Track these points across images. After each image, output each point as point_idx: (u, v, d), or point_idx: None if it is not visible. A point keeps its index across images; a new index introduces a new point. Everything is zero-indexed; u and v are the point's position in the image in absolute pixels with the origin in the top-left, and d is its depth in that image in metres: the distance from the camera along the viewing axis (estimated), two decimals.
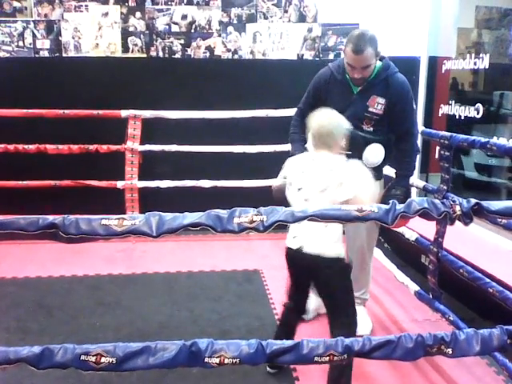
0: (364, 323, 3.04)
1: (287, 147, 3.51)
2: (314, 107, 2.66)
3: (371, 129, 2.85)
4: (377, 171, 2.87)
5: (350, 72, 2.78)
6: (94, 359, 1.44)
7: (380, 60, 2.86)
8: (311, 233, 2.36)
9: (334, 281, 2.40)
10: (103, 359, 1.44)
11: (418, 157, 4.66)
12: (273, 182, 2.65)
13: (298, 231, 2.41)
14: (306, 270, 2.46)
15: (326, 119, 2.44)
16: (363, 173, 2.43)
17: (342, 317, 2.38)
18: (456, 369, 2.68)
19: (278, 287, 3.75)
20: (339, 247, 2.42)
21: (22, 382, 2.53)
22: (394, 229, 2.95)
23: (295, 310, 2.63)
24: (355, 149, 2.70)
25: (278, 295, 3.60)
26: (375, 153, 2.87)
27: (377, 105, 2.83)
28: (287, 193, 2.48)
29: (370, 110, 2.83)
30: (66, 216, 1.41)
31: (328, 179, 2.31)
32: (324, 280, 2.41)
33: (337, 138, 2.42)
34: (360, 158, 2.76)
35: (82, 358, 1.43)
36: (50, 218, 1.40)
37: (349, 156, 2.57)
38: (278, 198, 2.58)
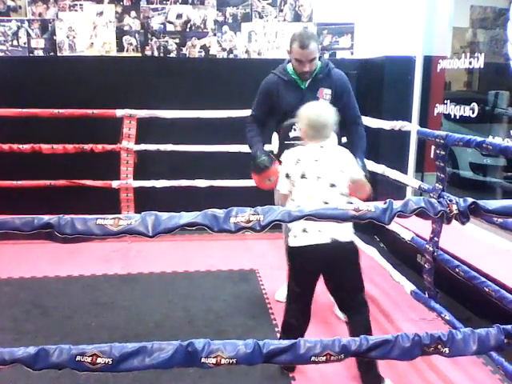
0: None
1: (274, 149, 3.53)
2: (267, 112, 3.24)
3: None
4: None
5: (299, 67, 3.09)
6: (89, 360, 1.43)
7: (319, 59, 3.17)
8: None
9: (349, 265, 2.52)
10: (99, 360, 1.43)
11: (414, 156, 4.70)
12: (280, 188, 2.63)
13: (321, 225, 2.39)
14: (325, 263, 2.48)
15: (323, 111, 2.60)
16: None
17: (360, 294, 2.53)
18: (452, 368, 2.68)
19: (274, 287, 3.75)
20: (350, 230, 2.54)
21: (17, 383, 2.51)
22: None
23: (305, 315, 2.61)
24: None
25: (274, 295, 3.60)
26: (333, 141, 3.04)
27: (325, 95, 3.17)
28: (297, 186, 2.52)
29: (321, 100, 3.11)
30: (61, 216, 1.40)
31: (342, 160, 2.52)
32: (339, 266, 2.48)
33: (332, 128, 2.62)
34: None
35: (78, 358, 1.43)
36: (46, 217, 1.39)
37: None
38: (282, 203, 2.64)
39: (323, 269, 2.51)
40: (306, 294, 2.59)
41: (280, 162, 2.81)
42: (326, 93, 3.18)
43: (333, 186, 2.47)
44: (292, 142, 3.13)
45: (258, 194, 4.10)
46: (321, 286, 3.45)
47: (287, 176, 2.55)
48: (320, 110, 2.62)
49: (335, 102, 3.03)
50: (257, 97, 3.35)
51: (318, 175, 2.48)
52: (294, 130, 3.12)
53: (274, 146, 3.47)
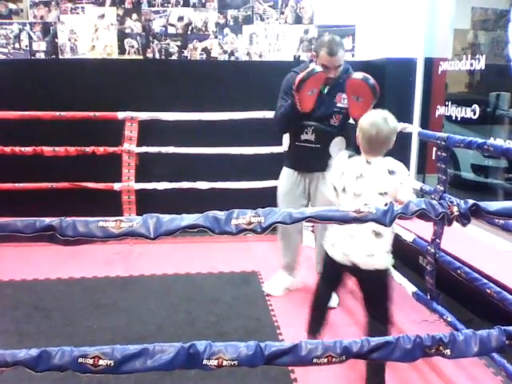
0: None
1: (284, 148, 3.56)
2: None
3: (337, 123, 3.33)
4: None
5: (325, 73, 3.13)
6: (91, 362, 1.43)
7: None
8: (364, 247, 2.37)
9: (380, 288, 2.47)
10: (101, 362, 1.43)
11: (415, 158, 4.70)
12: (331, 198, 2.57)
13: (347, 246, 2.41)
14: (350, 274, 2.54)
15: (381, 122, 2.37)
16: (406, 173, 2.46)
17: (380, 313, 2.45)
18: (454, 370, 2.68)
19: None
20: (389, 257, 2.44)
21: None
22: None
23: (329, 294, 2.79)
24: (323, 141, 3.28)
25: (276, 297, 3.60)
26: (340, 145, 3.33)
27: (343, 100, 3.30)
28: (337, 198, 2.50)
29: (338, 105, 3.31)
30: (63, 218, 1.40)
31: (388, 182, 2.33)
32: (371, 287, 2.48)
33: (391, 143, 2.42)
34: (327, 149, 3.27)
35: (80, 360, 1.43)
36: (47, 220, 1.39)
37: (316, 148, 3.25)
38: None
39: (342, 274, 2.61)
40: (331, 283, 2.72)
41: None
42: (344, 97, 3.27)
43: (366, 205, 2.34)
44: (302, 144, 3.32)
45: (259, 195, 4.12)
46: None
47: (333, 187, 2.52)
48: (378, 120, 2.38)
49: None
50: (281, 94, 3.40)
51: (356, 192, 2.39)
52: (306, 133, 3.28)
53: (284, 146, 3.52)
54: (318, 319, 2.72)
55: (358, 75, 3.14)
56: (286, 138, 3.50)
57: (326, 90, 3.29)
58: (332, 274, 2.63)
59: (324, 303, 2.76)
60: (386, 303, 2.47)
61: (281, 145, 3.76)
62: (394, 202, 2.11)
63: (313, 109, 3.15)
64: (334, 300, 3.44)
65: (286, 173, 3.55)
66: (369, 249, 2.36)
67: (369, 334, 2.37)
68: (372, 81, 3.11)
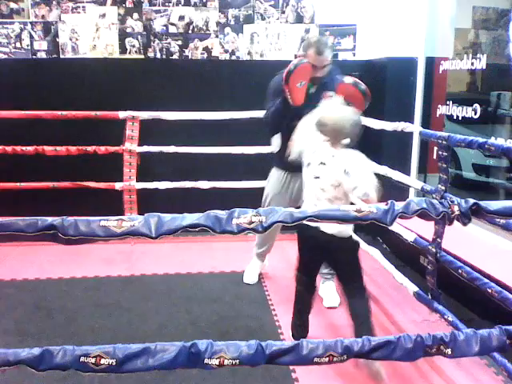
0: (333, 297, 3.51)
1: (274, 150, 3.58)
2: None
3: None
4: None
5: (312, 72, 3.22)
6: (93, 361, 1.44)
7: None
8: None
9: (347, 257, 2.75)
10: (103, 361, 1.44)
11: (416, 157, 4.70)
12: (294, 143, 2.87)
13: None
14: (319, 248, 2.74)
15: (340, 116, 2.62)
16: (367, 165, 2.64)
17: (354, 284, 2.71)
18: (455, 369, 2.68)
19: (276, 288, 3.75)
20: (350, 227, 2.73)
21: None
22: None
23: (309, 286, 2.90)
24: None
25: (277, 296, 3.61)
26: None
27: (329, 98, 3.25)
28: (304, 170, 2.76)
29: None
30: (64, 217, 1.41)
31: (343, 178, 2.55)
32: (338, 257, 2.75)
33: (352, 135, 2.62)
34: None
35: (82, 359, 1.43)
36: (49, 219, 1.40)
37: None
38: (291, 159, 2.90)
39: (313, 251, 2.81)
40: (311, 270, 2.89)
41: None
42: (330, 95, 3.29)
43: (322, 190, 2.66)
44: None
45: (261, 195, 4.11)
46: None
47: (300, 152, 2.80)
48: (338, 115, 2.63)
49: None
50: (268, 97, 3.45)
51: (316, 175, 2.67)
52: None
53: (274, 146, 3.53)
54: (304, 319, 2.92)
55: (348, 80, 3.17)
56: (275, 138, 3.54)
57: (313, 90, 3.35)
58: (308, 258, 2.85)
59: (309, 298, 2.91)
60: (362, 277, 2.74)
61: None
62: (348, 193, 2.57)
63: (301, 108, 3.14)
64: (335, 299, 3.49)
65: (277, 174, 3.61)
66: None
67: (355, 313, 2.68)
68: (363, 86, 3.13)
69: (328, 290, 3.57)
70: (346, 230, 2.70)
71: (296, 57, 3.33)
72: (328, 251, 2.74)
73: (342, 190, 2.59)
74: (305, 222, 2.45)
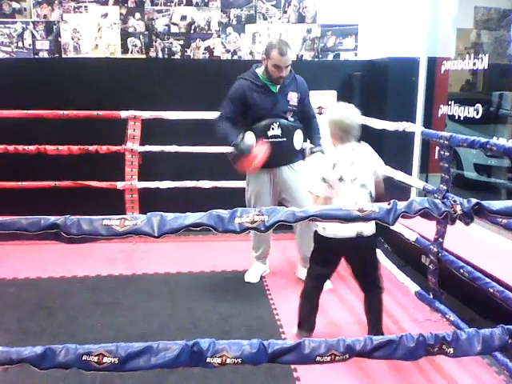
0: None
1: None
2: (237, 114, 3.58)
3: (292, 119, 3.61)
4: (301, 151, 3.74)
5: (276, 72, 3.46)
6: (96, 359, 1.44)
7: None
8: None
9: (372, 254, 2.91)
10: (105, 359, 1.44)
11: (418, 157, 4.70)
12: (315, 191, 2.81)
13: None
14: (348, 250, 2.81)
15: (351, 113, 2.80)
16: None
17: (377, 280, 2.91)
18: (456, 369, 2.68)
19: (278, 287, 3.76)
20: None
21: (23, 383, 2.52)
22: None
23: (324, 282, 3.03)
24: (288, 135, 3.56)
25: (278, 295, 3.61)
26: (301, 136, 3.66)
27: (294, 99, 3.60)
28: (336, 189, 2.74)
29: (291, 103, 3.59)
30: (67, 216, 1.41)
31: (373, 163, 2.82)
32: (365, 255, 2.86)
33: (358, 129, 2.80)
34: (292, 142, 3.58)
35: (84, 358, 1.44)
36: (52, 218, 1.40)
37: (283, 142, 3.52)
38: (319, 203, 2.82)
39: (346, 256, 2.86)
40: (327, 275, 3.00)
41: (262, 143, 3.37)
42: (294, 96, 3.60)
43: (363, 186, 2.75)
44: (270, 139, 3.51)
45: None
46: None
47: (324, 180, 2.74)
48: (348, 112, 2.80)
49: (299, 103, 3.62)
50: (228, 100, 3.62)
51: (352, 177, 2.73)
52: (272, 129, 3.52)
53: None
54: (314, 313, 2.98)
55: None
56: (248, 137, 3.56)
57: (276, 89, 3.56)
58: (329, 257, 2.89)
59: (318, 294, 3.00)
60: (379, 269, 2.94)
61: None
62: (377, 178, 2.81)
63: (267, 108, 3.49)
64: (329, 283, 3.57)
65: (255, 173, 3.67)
66: None
67: (374, 306, 2.89)
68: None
69: None
70: (374, 227, 2.81)
71: (264, 59, 3.52)
72: (356, 251, 2.81)
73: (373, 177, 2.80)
74: (339, 234, 2.70)
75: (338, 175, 2.71)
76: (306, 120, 3.74)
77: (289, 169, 3.67)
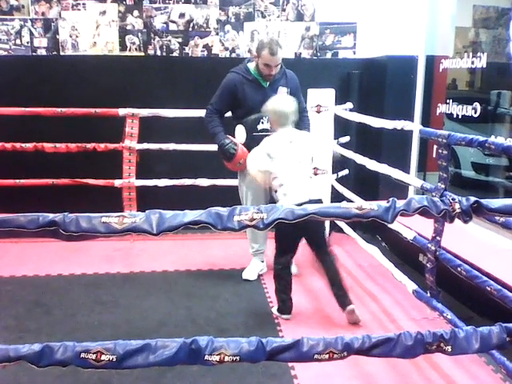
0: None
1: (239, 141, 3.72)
2: (228, 107, 3.77)
3: None
4: None
5: (266, 70, 3.61)
6: (94, 357, 1.44)
7: None
8: (310, 183, 3.29)
9: (319, 225, 3.32)
10: (103, 357, 1.44)
11: (416, 155, 4.71)
12: (260, 166, 3.23)
13: (298, 187, 3.16)
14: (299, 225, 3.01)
15: (286, 102, 3.34)
16: None
17: (326, 247, 3.32)
18: (454, 367, 2.69)
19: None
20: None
21: (20, 381, 2.52)
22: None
23: (290, 264, 3.38)
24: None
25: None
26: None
27: (283, 93, 3.70)
28: (277, 164, 3.18)
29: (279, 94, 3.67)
30: (66, 214, 1.41)
31: (310, 145, 3.36)
32: (313, 227, 3.13)
33: (294, 114, 3.34)
34: None
35: (82, 355, 1.43)
36: (50, 215, 1.40)
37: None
38: (262, 179, 3.28)
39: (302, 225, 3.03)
40: (292, 251, 3.30)
41: (246, 147, 3.57)
42: (284, 91, 3.73)
43: (300, 162, 3.21)
44: (260, 133, 3.61)
45: None
46: (321, 285, 3.47)
47: (268, 155, 3.20)
48: (283, 101, 3.36)
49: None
50: (219, 91, 3.76)
51: (291, 155, 3.20)
52: (262, 123, 3.63)
53: (238, 137, 3.74)
54: (289, 292, 3.30)
55: None
56: (239, 131, 3.73)
57: (267, 84, 3.70)
58: (291, 234, 3.18)
59: (291, 274, 3.37)
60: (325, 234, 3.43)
61: None
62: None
63: (257, 103, 3.56)
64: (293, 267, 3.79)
65: None
66: (312, 183, 3.35)
67: (332, 270, 3.22)
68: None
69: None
70: (317, 192, 3.27)
71: (255, 57, 3.65)
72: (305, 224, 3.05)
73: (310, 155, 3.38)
74: (294, 201, 2.94)
75: (278, 152, 3.19)
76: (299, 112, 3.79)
77: None
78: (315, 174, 4.27)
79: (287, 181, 3.19)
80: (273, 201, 3.43)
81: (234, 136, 3.73)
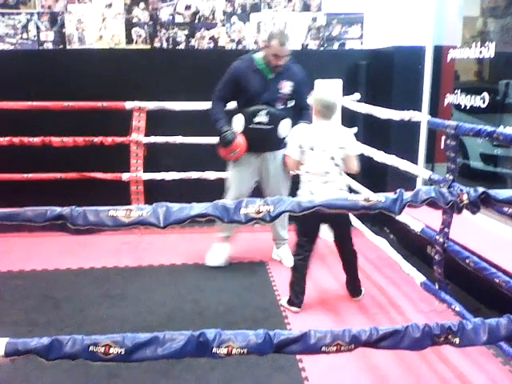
0: (290, 258, 3.75)
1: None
2: (232, 94, 3.73)
3: (282, 107, 3.73)
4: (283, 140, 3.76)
5: (275, 61, 3.60)
6: (102, 350, 1.44)
7: None
8: (338, 181, 3.26)
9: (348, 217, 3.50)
10: (112, 350, 1.44)
11: (424, 146, 4.69)
12: (290, 153, 3.29)
13: (324, 186, 3.19)
14: (330, 216, 3.16)
15: (333, 95, 3.31)
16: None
17: (352, 243, 3.42)
18: (462, 359, 2.68)
19: (283, 279, 3.75)
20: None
21: (29, 374, 2.54)
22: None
23: (308, 261, 3.33)
24: (275, 123, 3.67)
25: (283, 286, 3.61)
26: (288, 126, 3.72)
27: (286, 88, 3.71)
28: (305, 156, 3.21)
29: (281, 91, 3.70)
30: (73, 207, 1.41)
31: (344, 139, 3.23)
32: (345, 220, 3.37)
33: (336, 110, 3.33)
34: (277, 130, 3.68)
35: (91, 348, 1.44)
36: (58, 209, 1.40)
37: (268, 129, 3.66)
38: (291, 166, 3.37)
39: (328, 221, 3.33)
40: (312, 244, 3.30)
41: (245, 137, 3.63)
42: (287, 84, 3.71)
43: (332, 158, 3.18)
44: (256, 126, 3.67)
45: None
46: (330, 279, 3.46)
47: (299, 146, 3.21)
48: (332, 93, 3.37)
49: (293, 93, 3.75)
50: (225, 78, 3.75)
51: (323, 148, 3.17)
52: (260, 115, 3.63)
53: (236, 127, 3.75)
54: (303, 286, 3.31)
55: None
56: (237, 121, 3.73)
57: (272, 76, 3.68)
58: (312, 227, 3.26)
59: (309, 265, 3.33)
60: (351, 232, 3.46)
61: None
62: (347, 156, 3.22)
63: (260, 93, 3.63)
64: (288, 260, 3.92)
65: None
66: (340, 184, 3.27)
67: (350, 261, 3.41)
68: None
69: (286, 252, 4.05)
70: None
71: (264, 47, 3.65)
72: (328, 217, 3.18)
73: (343, 152, 3.23)
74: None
75: (311, 144, 3.18)
76: (297, 110, 3.84)
77: (271, 156, 3.82)
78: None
79: (316, 178, 3.21)
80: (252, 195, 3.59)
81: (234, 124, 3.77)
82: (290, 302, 3.30)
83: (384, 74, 4.80)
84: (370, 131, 4.79)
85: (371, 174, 4.79)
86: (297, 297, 3.28)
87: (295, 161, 3.27)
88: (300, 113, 3.84)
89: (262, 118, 3.64)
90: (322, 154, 3.17)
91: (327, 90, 3.43)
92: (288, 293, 3.32)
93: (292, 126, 3.68)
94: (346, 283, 3.48)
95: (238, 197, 3.61)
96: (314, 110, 3.28)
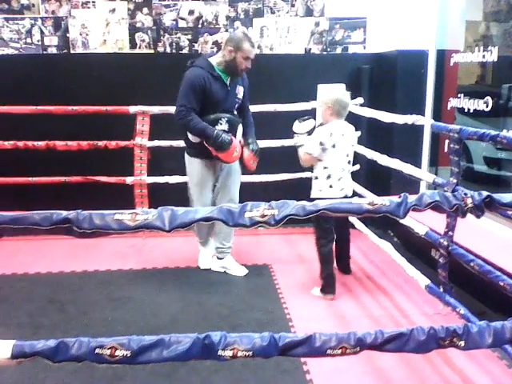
0: (239, 268, 3.96)
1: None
2: (200, 103, 3.52)
3: (235, 112, 3.76)
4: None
5: (245, 64, 3.55)
6: (108, 352, 1.45)
7: None
8: (349, 180, 3.56)
9: None
10: (118, 352, 1.45)
11: (427, 150, 4.69)
12: (311, 150, 3.40)
13: (342, 181, 3.44)
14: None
15: (348, 96, 3.50)
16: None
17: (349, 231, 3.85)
18: (467, 362, 2.68)
19: (287, 281, 3.77)
20: None
21: (36, 377, 2.55)
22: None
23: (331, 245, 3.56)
24: (233, 130, 3.60)
25: (288, 289, 3.62)
26: (241, 130, 3.71)
27: (240, 93, 3.75)
28: (328, 154, 3.37)
29: (238, 96, 3.73)
30: (79, 211, 1.42)
31: (355, 137, 3.62)
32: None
33: None
34: (235, 136, 3.59)
35: (97, 351, 1.44)
36: (64, 212, 1.41)
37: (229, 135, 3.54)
38: (307, 163, 3.49)
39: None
40: (330, 229, 3.50)
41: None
42: (241, 89, 3.75)
43: (347, 155, 3.46)
44: None
45: (272, 188, 4.11)
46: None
47: (321, 144, 3.35)
48: (347, 93, 3.55)
49: (243, 97, 3.79)
50: (189, 90, 3.53)
51: (342, 146, 3.40)
52: (220, 123, 3.53)
53: (193, 137, 3.67)
54: (332, 268, 3.54)
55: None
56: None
57: (228, 81, 3.63)
58: (330, 221, 3.43)
59: (331, 250, 3.55)
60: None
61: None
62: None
63: (221, 101, 3.58)
64: (244, 268, 3.96)
65: (199, 163, 3.76)
66: (349, 181, 3.56)
67: (348, 239, 3.82)
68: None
69: (233, 262, 4.00)
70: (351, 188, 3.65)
71: (233, 51, 3.52)
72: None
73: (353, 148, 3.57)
74: (319, 194, 3.39)
75: (333, 142, 3.35)
76: (243, 113, 3.86)
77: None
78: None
79: (335, 173, 3.41)
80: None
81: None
82: (324, 290, 3.50)
83: (387, 78, 4.81)
84: (374, 135, 4.80)
85: (375, 178, 4.80)
86: (328, 283, 3.48)
87: (314, 158, 3.41)
88: (246, 116, 3.88)
89: (223, 126, 3.54)
90: (341, 151, 3.39)
91: (344, 90, 3.69)
92: (319, 283, 3.53)
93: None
94: (339, 262, 3.76)
95: (205, 204, 3.74)
96: (329, 110, 3.40)
